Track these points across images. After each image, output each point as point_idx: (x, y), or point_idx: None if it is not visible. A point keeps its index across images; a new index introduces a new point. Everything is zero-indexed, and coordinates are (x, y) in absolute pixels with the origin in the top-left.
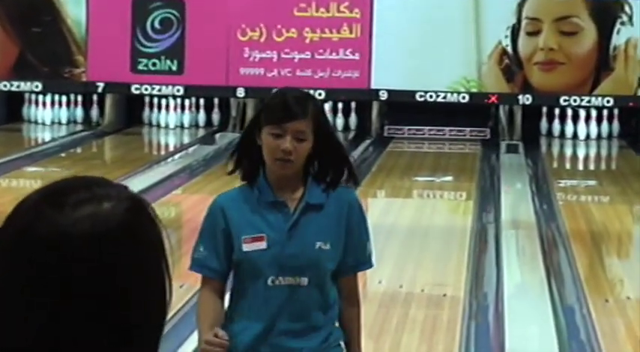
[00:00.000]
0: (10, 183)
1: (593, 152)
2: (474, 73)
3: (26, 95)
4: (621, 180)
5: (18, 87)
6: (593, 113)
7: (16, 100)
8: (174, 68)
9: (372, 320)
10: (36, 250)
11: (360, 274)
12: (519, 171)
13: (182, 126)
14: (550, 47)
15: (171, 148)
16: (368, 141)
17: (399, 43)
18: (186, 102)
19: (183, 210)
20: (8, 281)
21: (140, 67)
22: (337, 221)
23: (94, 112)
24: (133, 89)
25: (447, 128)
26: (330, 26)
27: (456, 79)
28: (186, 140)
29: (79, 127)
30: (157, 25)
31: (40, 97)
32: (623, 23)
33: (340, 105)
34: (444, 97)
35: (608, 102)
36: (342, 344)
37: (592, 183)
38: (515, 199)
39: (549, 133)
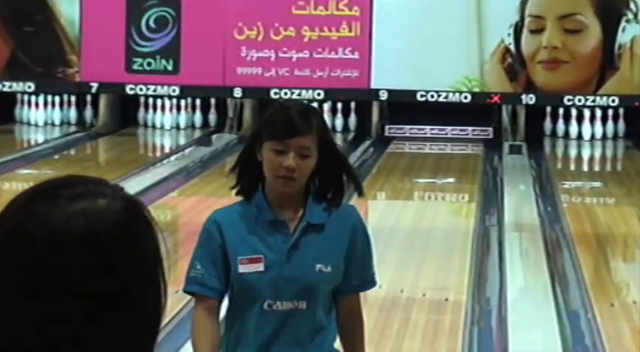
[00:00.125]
0: (2, 185)
1: (598, 153)
2: (476, 72)
3: (18, 96)
4: (627, 181)
5: (10, 87)
6: (598, 113)
7: (9, 101)
8: (169, 68)
9: (372, 325)
10: (28, 251)
11: None
12: (523, 172)
13: (178, 127)
14: (554, 45)
15: (166, 150)
16: (368, 142)
17: (400, 41)
18: (182, 102)
19: (180, 213)
20: (3, 281)
21: (135, 67)
22: (339, 242)
23: (88, 113)
24: (127, 89)
25: (449, 127)
26: (329, 24)
27: (457, 78)
28: (182, 141)
29: (73, 128)
30: (152, 23)
31: (33, 98)
32: (628, 21)
33: (339, 105)
34: (446, 97)
35: (613, 101)
36: None
37: (597, 184)
38: (519, 201)
39: (553, 134)
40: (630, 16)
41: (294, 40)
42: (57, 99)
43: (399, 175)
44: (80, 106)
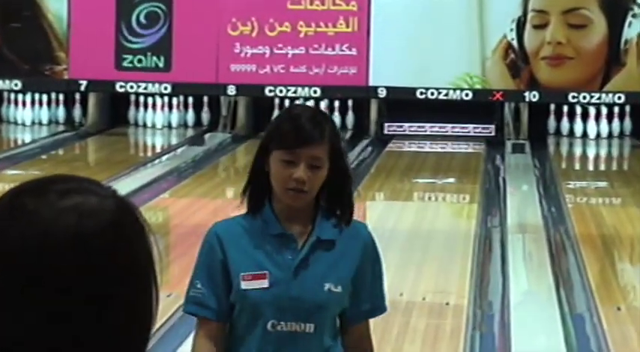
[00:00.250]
0: None
1: (603, 151)
2: (477, 68)
3: (5, 94)
4: (633, 180)
5: None
6: (604, 110)
7: None
8: (161, 65)
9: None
10: (16, 251)
11: None
12: (526, 172)
13: (170, 126)
14: (558, 41)
15: (158, 149)
16: (366, 141)
17: (399, 37)
18: (174, 100)
19: (171, 215)
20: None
21: (125, 64)
22: (350, 261)
23: (77, 112)
24: (117, 87)
25: (450, 125)
26: (326, 20)
27: (458, 75)
28: (174, 141)
29: (61, 128)
30: (142, 19)
31: (20, 96)
32: (634, 15)
33: (337, 103)
34: (446, 94)
35: (619, 98)
36: None
37: (603, 184)
38: (522, 202)
39: (557, 132)
40: (637, 10)
41: (289, 35)
42: (44, 97)
43: (399, 175)
44: (68, 105)
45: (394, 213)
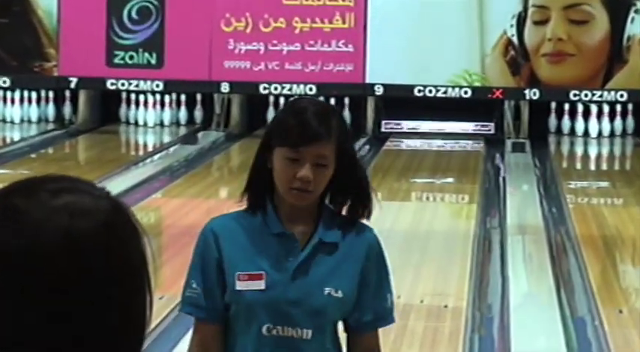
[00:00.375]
0: None
1: (605, 151)
2: (476, 65)
3: None
4: (636, 180)
5: None
6: (606, 108)
7: None
8: (153, 61)
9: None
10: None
11: None
12: (526, 171)
13: (162, 125)
14: (559, 37)
15: (150, 148)
16: (363, 140)
17: (396, 33)
18: (167, 98)
19: (164, 215)
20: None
21: (116, 61)
22: (353, 265)
23: (67, 110)
24: (108, 84)
25: (448, 123)
26: (322, 15)
27: (457, 72)
28: (166, 139)
29: (51, 126)
30: (134, 14)
31: (9, 93)
32: (637, 11)
33: (333, 100)
34: (445, 92)
35: (621, 96)
36: None
37: (604, 184)
38: (522, 202)
39: (558, 130)
40: None
41: (284, 31)
42: (34, 94)
43: (396, 175)
44: (58, 102)
45: (391, 213)
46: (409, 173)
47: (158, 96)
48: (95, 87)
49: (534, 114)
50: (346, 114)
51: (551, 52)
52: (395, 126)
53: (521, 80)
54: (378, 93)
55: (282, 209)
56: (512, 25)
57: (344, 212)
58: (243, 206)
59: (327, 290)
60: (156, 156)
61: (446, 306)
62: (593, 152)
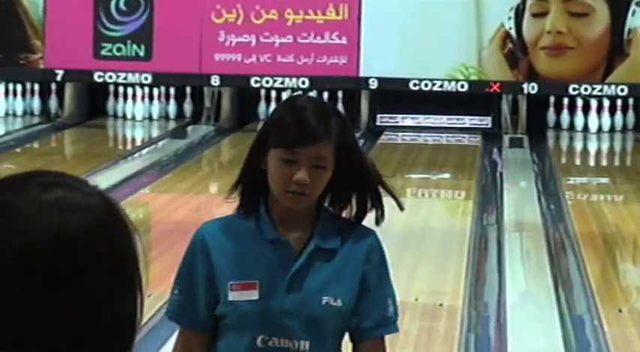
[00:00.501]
0: None
1: (605, 146)
2: (473, 59)
3: None
4: (636, 177)
5: None
6: (606, 103)
7: None
8: (141, 54)
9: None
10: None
11: None
12: (524, 167)
13: (150, 118)
14: (558, 30)
15: (138, 142)
16: (357, 135)
17: (391, 25)
18: (155, 91)
19: (152, 211)
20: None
21: (103, 53)
22: (353, 271)
23: (53, 103)
24: (95, 77)
25: (445, 116)
26: (315, 7)
27: (453, 65)
28: (155, 133)
29: (36, 119)
30: (122, 5)
31: None
32: (638, 4)
33: (326, 94)
34: (441, 86)
35: (622, 90)
36: None
37: (604, 180)
38: (520, 198)
39: (557, 125)
40: None
41: (276, 23)
42: (19, 87)
43: (391, 170)
44: (44, 95)
45: (386, 210)
46: (404, 168)
47: (147, 90)
48: (82, 79)
49: (532, 109)
50: (340, 107)
51: (550, 45)
52: (390, 120)
53: (519, 74)
54: (372, 87)
55: (276, 212)
56: (510, 18)
57: (349, 214)
58: (233, 203)
59: (325, 299)
60: (144, 151)
61: (441, 305)
62: (592, 147)
